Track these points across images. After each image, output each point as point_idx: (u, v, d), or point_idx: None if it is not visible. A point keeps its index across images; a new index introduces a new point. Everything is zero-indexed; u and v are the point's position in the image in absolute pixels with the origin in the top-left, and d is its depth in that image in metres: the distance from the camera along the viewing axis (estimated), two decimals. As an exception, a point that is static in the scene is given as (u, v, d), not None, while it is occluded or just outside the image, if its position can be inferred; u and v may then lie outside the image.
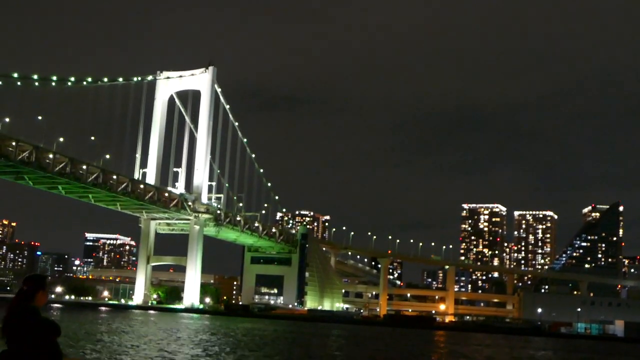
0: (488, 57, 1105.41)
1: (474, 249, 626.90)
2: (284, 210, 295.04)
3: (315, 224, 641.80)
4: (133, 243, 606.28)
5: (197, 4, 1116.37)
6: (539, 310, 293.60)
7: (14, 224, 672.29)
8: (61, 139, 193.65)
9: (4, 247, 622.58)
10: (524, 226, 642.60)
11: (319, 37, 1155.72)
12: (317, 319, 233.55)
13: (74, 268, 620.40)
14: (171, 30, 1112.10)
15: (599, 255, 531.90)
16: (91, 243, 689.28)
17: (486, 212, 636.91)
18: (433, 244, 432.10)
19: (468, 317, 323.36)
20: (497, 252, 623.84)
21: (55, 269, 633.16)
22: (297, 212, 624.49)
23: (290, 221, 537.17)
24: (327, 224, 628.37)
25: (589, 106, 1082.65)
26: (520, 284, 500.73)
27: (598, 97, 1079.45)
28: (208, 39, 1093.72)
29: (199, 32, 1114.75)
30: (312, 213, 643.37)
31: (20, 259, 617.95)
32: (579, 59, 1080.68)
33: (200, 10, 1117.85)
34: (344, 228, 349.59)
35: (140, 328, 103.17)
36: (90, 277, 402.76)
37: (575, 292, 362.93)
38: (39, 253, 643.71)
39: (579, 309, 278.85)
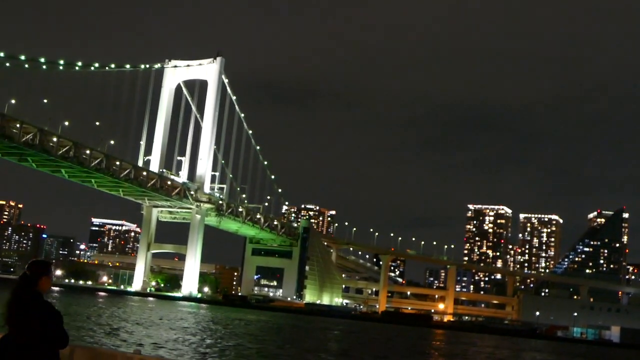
0: (502, 58, 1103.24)
1: (478, 250, 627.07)
2: (287, 203, 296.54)
3: (321, 218, 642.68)
4: (139, 230, 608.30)
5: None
6: (537, 313, 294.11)
7: (20, 205, 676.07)
8: (66, 123, 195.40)
9: (9, 228, 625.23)
10: (528, 229, 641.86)
11: (332, 30, 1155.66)
12: (314, 313, 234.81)
13: (78, 252, 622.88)
14: (182, 19, 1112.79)
15: (601, 261, 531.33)
16: (97, 228, 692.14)
17: (491, 213, 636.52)
18: (435, 242, 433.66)
19: (467, 317, 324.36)
20: (500, 253, 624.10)
21: (60, 252, 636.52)
22: (302, 206, 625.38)
23: (293, 215, 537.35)
24: (329, 218, 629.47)
25: (601, 110, 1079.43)
26: (523, 287, 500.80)
27: (611, 101, 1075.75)
28: (219, 29, 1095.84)
29: (210, 22, 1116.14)
30: (317, 207, 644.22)
31: (25, 241, 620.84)
32: (592, 64, 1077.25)
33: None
34: (346, 223, 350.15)
35: (123, 313, 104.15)
36: (96, 262, 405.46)
37: (575, 297, 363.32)
38: (44, 236, 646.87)
39: (575, 313, 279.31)
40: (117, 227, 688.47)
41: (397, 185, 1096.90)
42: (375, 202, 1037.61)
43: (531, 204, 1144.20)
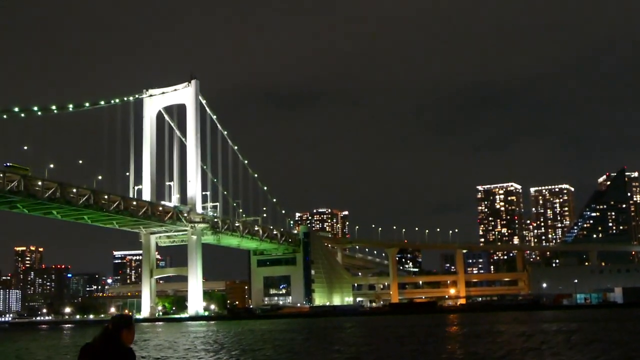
0: (503, 34, 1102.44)
1: (493, 230, 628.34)
2: (283, 211, 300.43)
3: (334, 220, 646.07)
4: (159, 257, 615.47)
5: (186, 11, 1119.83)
6: (544, 284, 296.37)
7: (41, 249, 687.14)
8: (51, 165, 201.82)
9: (32, 272, 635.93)
10: (540, 202, 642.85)
11: (325, 30, 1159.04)
12: (320, 314, 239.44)
13: (100, 287, 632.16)
14: (160, 44, 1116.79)
15: (610, 224, 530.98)
16: (119, 261, 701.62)
17: (501, 191, 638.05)
18: (438, 229, 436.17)
19: (480, 299, 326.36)
20: (515, 230, 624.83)
21: (87, 289, 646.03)
22: (314, 210, 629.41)
23: (292, 221, 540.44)
24: (333, 219, 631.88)
25: (603, 74, 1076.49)
26: (541, 260, 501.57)
27: (610, 64, 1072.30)
28: (202, 45, 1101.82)
29: (192, 41, 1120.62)
30: (329, 210, 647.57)
31: (49, 283, 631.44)
32: (591, 32, 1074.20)
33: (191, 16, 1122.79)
34: (347, 223, 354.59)
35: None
36: (111, 294, 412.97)
37: (587, 263, 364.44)
38: (69, 275, 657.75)
39: (575, 280, 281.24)
40: (137, 257, 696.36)
41: (406, 177, 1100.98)
42: (386, 196, 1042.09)
43: (540, 177, 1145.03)
